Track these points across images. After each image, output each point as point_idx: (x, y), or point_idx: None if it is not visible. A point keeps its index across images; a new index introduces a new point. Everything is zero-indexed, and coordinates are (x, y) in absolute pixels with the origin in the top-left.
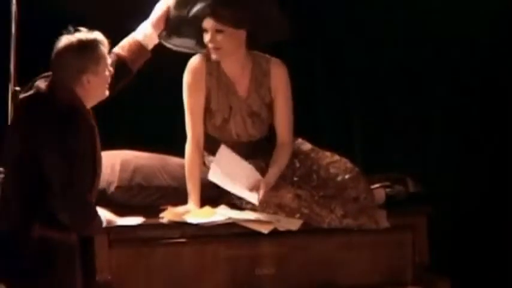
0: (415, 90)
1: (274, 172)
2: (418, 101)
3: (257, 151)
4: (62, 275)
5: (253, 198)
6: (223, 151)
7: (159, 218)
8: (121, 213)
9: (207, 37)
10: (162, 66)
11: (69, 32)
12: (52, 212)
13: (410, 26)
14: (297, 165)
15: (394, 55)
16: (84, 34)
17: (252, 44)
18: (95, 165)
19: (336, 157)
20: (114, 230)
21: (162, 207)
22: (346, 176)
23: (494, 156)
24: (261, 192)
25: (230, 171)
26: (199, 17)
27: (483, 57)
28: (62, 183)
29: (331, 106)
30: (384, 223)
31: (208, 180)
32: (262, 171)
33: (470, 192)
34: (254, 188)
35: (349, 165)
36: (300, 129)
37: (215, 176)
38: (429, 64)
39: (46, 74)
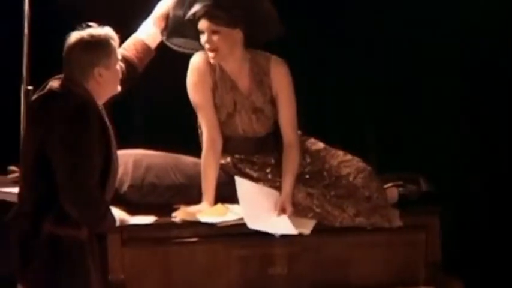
0: (427, 89)
1: (290, 182)
2: (430, 100)
3: (265, 146)
4: (73, 271)
5: (292, 230)
6: (239, 182)
7: (171, 217)
8: (134, 212)
9: (203, 38)
10: (175, 65)
11: (80, 28)
12: (64, 208)
13: (421, 25)
14: (308, 160)
15: (406, 54)
16: (94, 29)
17: (251, 42)
18: (108, 162)
19: (348, 156)
20: (126, 229)
21: (175, 207)
22: (359, 176)
23: (508, 156)
24: (288, 210)
25: (255, 202)
26: (196, 19)
27: (495, 56)
28: (64, 178)
29: (344, 105)
30: (397, 222)
31: (223, 179)
32: (271, 167)
33: (483, 191)
34: (279, 209)
35: (361, 164)
36: (312, 128)
37: (253, 223)
38: (442, 63)
39: (60, 75)
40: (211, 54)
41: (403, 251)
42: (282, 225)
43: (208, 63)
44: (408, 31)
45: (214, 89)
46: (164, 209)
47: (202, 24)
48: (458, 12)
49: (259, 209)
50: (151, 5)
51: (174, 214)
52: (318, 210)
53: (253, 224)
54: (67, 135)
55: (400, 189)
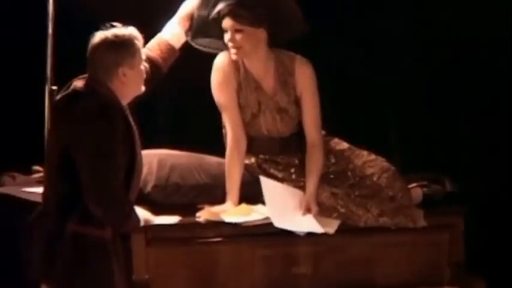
0: (450, 90)
1: (314, 182)
2: (453, 100)
3: (289, 147)
4: (97, 271)
5: (318, 229)
6: (265, 182)
7: (196, 217)
8: (158, 212)
9: (226, 37)
10: (199, 65)
11: (104, 28)
12: (88, 208)
13: (447, 25)
14: (332, 160)
15: (431, 55)
16: (119, 29)
17: (275, 42)
18: (133, 162)
19: (372, 156)
20: (151, 229)
21: (199, 206)
22: (383, 176)
23: None
24: (313, 210)
25: (280, 201)
26: (220, 17)
27: None
28: (89, 178)
29: (368, 105)
30: (421, 222)
31: (247, 179)
32: (296, 167)
33: (507, 191)
34: (305, 209)
35: (385, 164)
36: (336, 128)
37: (279, 222)
38: (466, 64)
39: (84, 75)
40: (233, 51)
41: (427, 251)
42: (307, 224)
43: (233, 63)
44: (435, 31)
45: (239, 89)
46: (188, 209)
47: (226, 22)
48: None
49: (285, 208)
50: (176, 5)
51: (198, 214)
52: (342, 210)
53: (279, 223)
54: (91, 135)
55: (425, 189)
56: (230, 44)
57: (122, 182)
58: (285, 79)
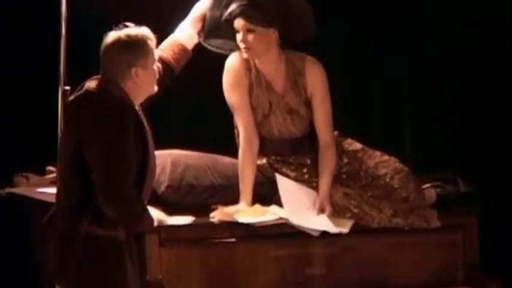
0: (465, 90)
1: (327, 182)
2: (468, 100)
3: (300, 148)
4: (110, 271)
5: (332, 228)
6: (281, 180)
7: (209, 217)
8: (172, 212)
9: (238, 37)
10: (212, 65)
11: (117, 29)
12: (100, 208)
13: (462, 24)
14: (345, 160)
15: (445, 54)
16: (132, 29)
17: (286, 43)
18: (145, 162)
19: (386, 157)
20: (165, 230)
21: (213, 207)
22: (396, 176)
23: None
24: (327, 210)
25: (296, 200)
26: (232, 17)
27: None
28: (101, 178)
29: (382, 106)
30: (435, 222)
31: (259, 179)
32: (307, 167)
33: None
34: (318, 209)
35: (398, 165)
36: (350, 128)
37: (295, 218)
38: (483, 64)
39: (97, 76)
40: (244, 51)
41: (441, 252)
42: (321, 224)
43: (244, 63)
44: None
45: (250, 89)
46: (202, 209)
47: (238, 23)
48: None
49: (300, 206)
50: (189, 6)
51: (212, 214)
52: (355, 210)
53: (295, 220)
54: (103, 136)
55: (438, 189)
56: (242, 45)
57: (135, 183)
58: (296, 80)
